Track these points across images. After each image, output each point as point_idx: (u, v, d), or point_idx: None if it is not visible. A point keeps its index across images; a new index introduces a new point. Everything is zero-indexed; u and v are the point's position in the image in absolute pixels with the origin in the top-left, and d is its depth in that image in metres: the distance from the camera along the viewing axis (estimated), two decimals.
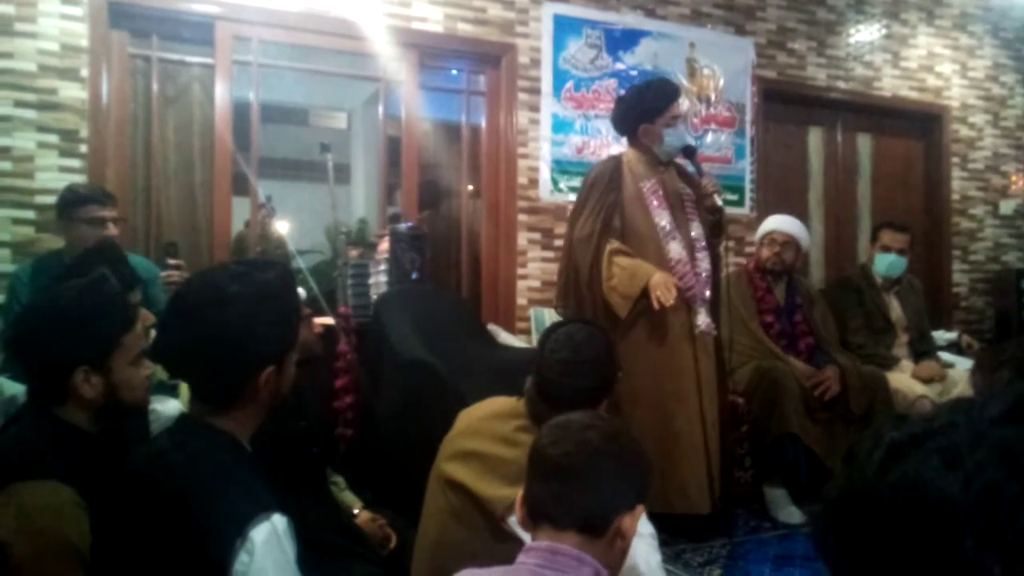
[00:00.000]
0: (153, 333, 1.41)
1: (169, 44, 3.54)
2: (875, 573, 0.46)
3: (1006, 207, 5.54)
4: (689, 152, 2.96)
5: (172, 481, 1.16)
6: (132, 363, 1.52)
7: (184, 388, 2.60)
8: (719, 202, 2.92)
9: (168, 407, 2.44)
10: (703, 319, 2.89)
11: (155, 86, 3.50)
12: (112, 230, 2.78)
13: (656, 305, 2.69)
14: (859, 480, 0.48)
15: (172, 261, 3.03)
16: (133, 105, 3.48)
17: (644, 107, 2.94)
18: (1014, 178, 5.56)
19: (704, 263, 2.93)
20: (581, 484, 1.16)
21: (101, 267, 1.61)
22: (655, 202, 2.92)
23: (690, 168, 3.05)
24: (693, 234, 2.94)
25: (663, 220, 2.91)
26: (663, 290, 2.69)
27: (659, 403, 2.82)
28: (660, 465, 2.68)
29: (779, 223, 3.74)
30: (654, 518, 1.66)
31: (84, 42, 3.26)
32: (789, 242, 3.69)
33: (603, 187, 2.92)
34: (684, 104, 2.97)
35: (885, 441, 0.48)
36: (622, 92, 4.13)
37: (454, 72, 4.23)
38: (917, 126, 5.35)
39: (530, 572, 1.11)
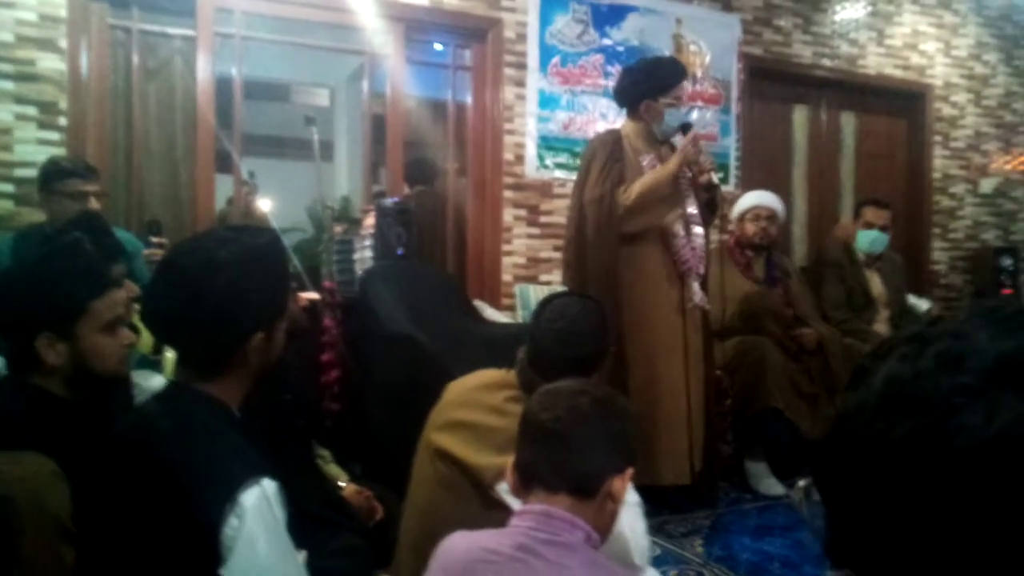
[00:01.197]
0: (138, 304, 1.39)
1: (150, 15, 3.48)
2: (876, 514, 0.46)
3: (986, 186, 5.60)
4: (687, 130, 2.98)
5: (161, 446, 1.16)
6: (103, 331, 1.48)
7: (168, 362, 2.59)
8: (715, 179, 2.95)
9: (152, 382, 2.42)
10: (697, 293, 2.93)
11: (135, 58, 3.44)
12: (94, 204, 2.75)
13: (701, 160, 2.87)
14: (860, 417, 0.47)
15: (155, 239, 3.00)
16: (113, 77, 3.42)
17: (651, 84, 2.97)
18: (998, 158, 5.61)
19: (699, 239, 2.97)
20: (572, 447, 1.18)
21: (76, 236, 1.58)
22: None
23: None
24: (689, 210, 2.97)
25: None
26: (685, 153, 2.84)
27: (648, 374, 2.86)
28: (646, 436, 2.73)
29: (762, 198, 3.78)
30: (638, 489, 1.68)
31: (63, 12, 3.20)
32: (772, 216, 3.74)
33: (607, 155, 2.93)
34: (687, 85, 2.98)
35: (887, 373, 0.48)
36: (613, 66, 4.17)
37: (439, 47, 4.20)
38: (900, 104, 5.37)
39: (523, 534, 1.12)
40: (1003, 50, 5.63)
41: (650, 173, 2.89)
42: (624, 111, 3.12)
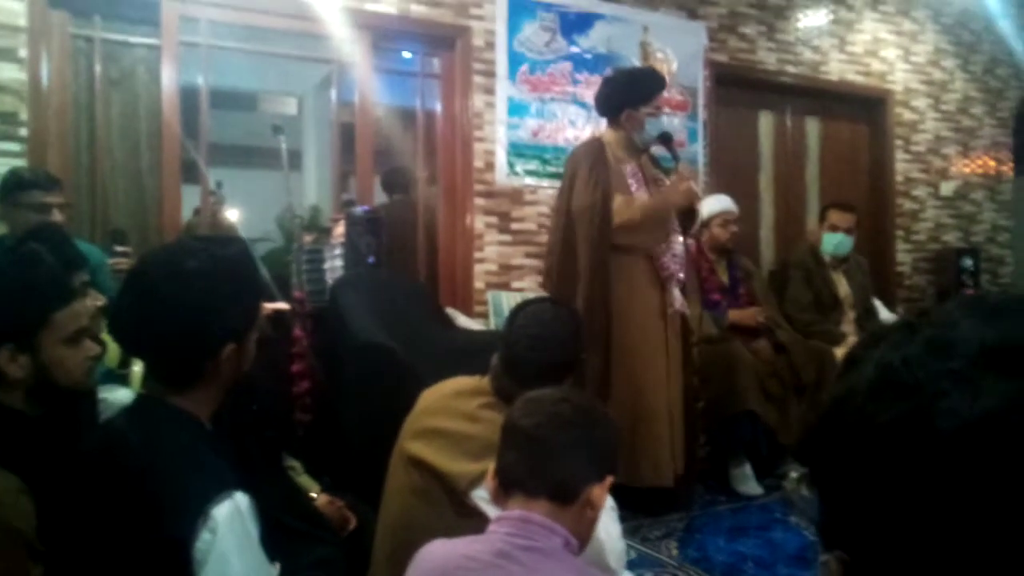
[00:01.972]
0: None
1: (112, 24, 3.43)
2: (866, 497, 0.47)
3: (946, 188, 5.72)
4: (666, 139, 3.01)
5: (131, 460, 1.14)
6: (66, 343, 1.45)
7: (136, 376, 2.54)
8: (695, 188, 3.00)
9: (118, 396, 2.38)
10: (678, 298, 2.97)
11: (98, 68, 3.39)
12: (58, 216, 2.70)
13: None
14: (850, 404, 0.49)
15: (120, 248, 2.96)
16: (75, 87, 3.36)
17: (632, 93, 3.01)
18: (958, 161, 5.74)
19: (678, 245, 3.02)
20: (553, 453, 1.18)
21: (36, 248, 1.55)
22: (635, 185, 2.99)
23: (665, 154, 3.12)
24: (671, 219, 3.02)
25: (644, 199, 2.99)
26: (692, 196, 2.93)
27: (631, 378, 2.89)
28: (630, 438, 2.76)
29: (725, 203, 3.85)
30: (618, 490, 1.69)
31: (22, 21, 3.14)
32: (737, 220, 3.82)
33: (592, 163, 2.97)
34: (664, 98, 3.04)
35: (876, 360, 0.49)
36: (581, 74, 4.20)
37: (408, 55, 4.19)
38: (862, 110, 5.48)
39: (501, 540, 1.12)
40: (960, 56, 5.77)
41: (653, 200, 2.93)
42: (603, 120, 3.16)
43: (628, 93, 3.00)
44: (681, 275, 3.02)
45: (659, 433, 2.88)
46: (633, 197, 2.94)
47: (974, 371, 0.43)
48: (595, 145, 3.07)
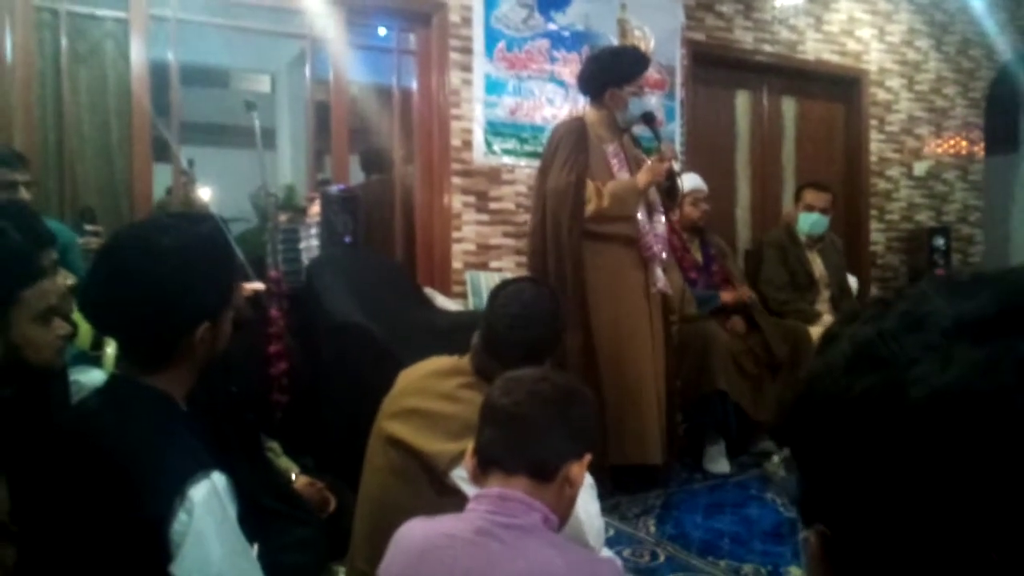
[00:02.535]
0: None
1: None
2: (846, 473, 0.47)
3: (919, 168, 5.78)
4: (648, 119, 3.01)
5: (105, 440, 1.11)
6: (36, 320, 1.42)
7: (108, 358, 2.50)
8: (676, 168, 3.01)
9: (91, 378, 2.35)
10: (660, 278, 2.98)
11: (64, 41, 3.30)
12: (24, 194, 2.63)
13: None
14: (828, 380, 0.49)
15: (90, 227, 2.90)
16: (40, 62, 3.27)
17: (616, 71, 3.01)
18: (931, 141, 5.80)
19: (660, 225, 3.03)
20: (532, 430, 1.19)
21: (2, 224, 1.51)
22: (617, 164, 2.98)
23: (648, 134, 3.11)
24: (650, 197, 3.02)
25: (625, 178, 2.98)
26: (655, 175, 2.89)
27: (617, 357, 2.91)
28: (617, 417, 2.78)
29: (698, 181, 3.87)
30: (607, 470, 1.70)
31: None
32: (707, 199, 3.84)
33: (572, 143, 2.97)
34: (647, 77, 3.04)
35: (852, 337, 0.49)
36: (559, 51, 4.18)
37: (383, 31, 4.13)
38: (838, 89, 5.50)
39: (481, 518, 1.12)
40: (933, 36, 5.81)
41: (619, 184, 2.91)
42: (582, 99, 3.16)
43: (612, 72, 3.00)
44: (664, 255, 3.03)
45: (646, 411, 2.90)
46: (603, 183, 2.94)
47: (946, 342, 0.44)
48: (576, 125, 3.06)
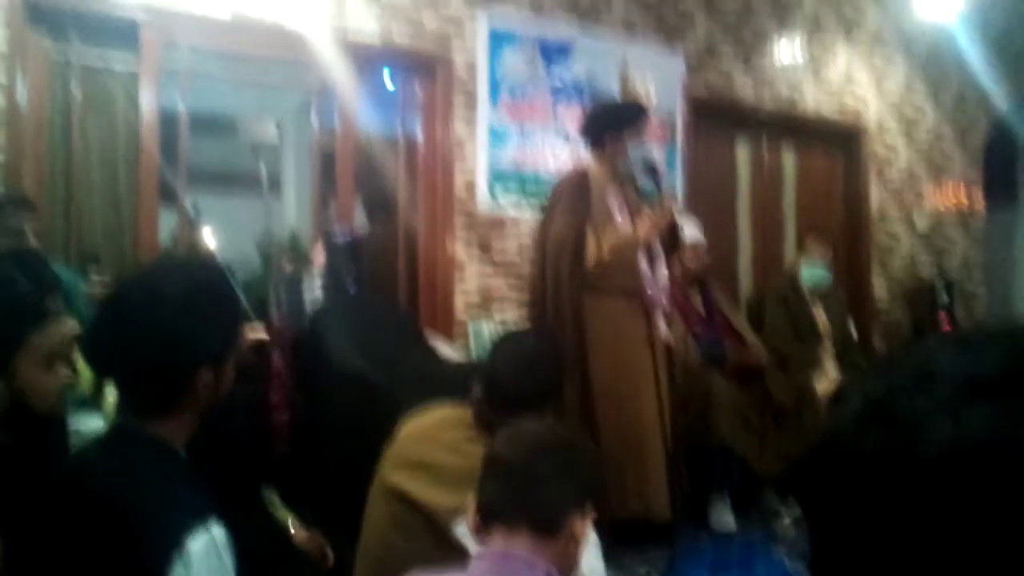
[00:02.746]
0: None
1: (92, 49, 3.40)
2: (858, 532, 0.46)
3: (920, 222, 5.81)
4: (650, 168, 3.03)
5: (104, 490, 1.10)
6: (40, 365, 1.42)
7: (108, 405, 2.49)
8: (678, 219, 3.02)
9: (90, 427, 2.33)
10: (663, 326, 2.96)
11: (77, 92, 3.35)
12: (32, 240, 2.66)
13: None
14: (840, 437, 0.49)
15: (96, 277, 2.92)
16: (52, 110, 3.33)
17: (616, 117, 3.06)
18: (931, 195, 5.84)
19: (662, 273, 3.01)
20: (534, 483, 1.17)
21: (11, 269, 1.52)
22: (618, 212, 3.00)
23: (650, 185, 3.14)
24: (653, 248, 3.02)
25: (627, 230, 2.99)
26: (654, 228, 2.90)
27: (617, 409, 2.87)
28: (617, 470, 2.73)
29: (697, 234, 3.86)
30: (610, 525, 1.67)
31: (1, 45, 3.11)
32: (708, 249, 3.83)
33: (572, 193, 3.01)
34: (646, 126, 3.07)
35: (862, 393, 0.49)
36: (561, 103, 4.24)
37: (389, 83, 4.20)
38: (837, 143, 5.56)
39: None
40: (930, 91, 5.89)
41: (619, 237, 2.93)
42: (585, 151, 3.19)
43: (611, 117, 3.06)
44: (665, 302, 3.02)
45: (650, 464, 2.84)
46: (604, 231, 2.95)
47: (957, 400, 0.44)
48: (576, 178, 3.10)
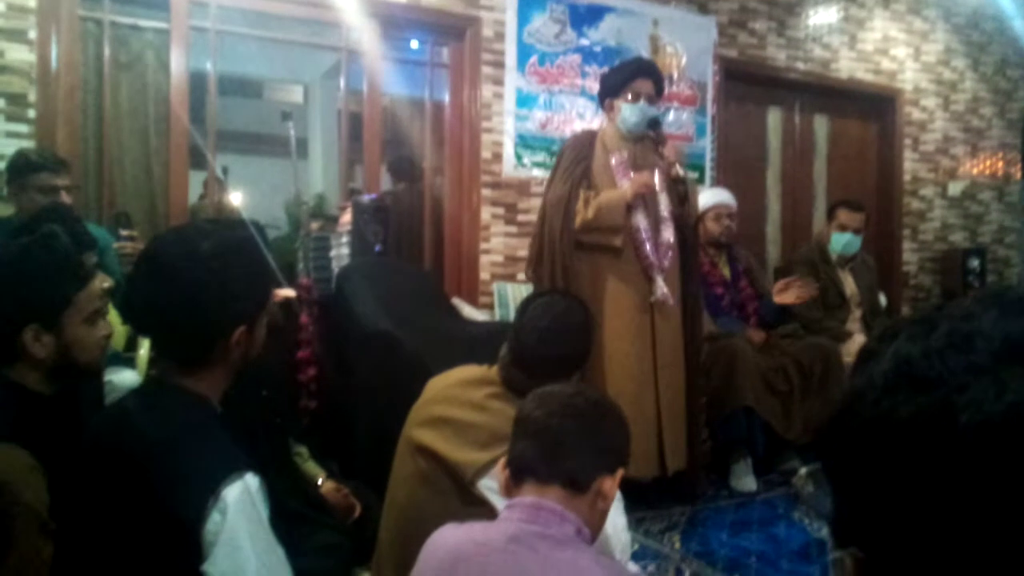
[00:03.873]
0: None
1: (122, 7, 3.42)
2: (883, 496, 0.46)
3: (954, 188, 5.71)
4: (653, 124, 3.01)
5: (141, 441, 1.13)
6: (85, 322, 1.48)
7: (141, 359, 2.54)
8: (680, 171, 2.96)
9: (124, 378, 2.39)
10: (660, 288, 2.93)
11: (107, 51, 3.38)
12: (65, 198, 2.70)
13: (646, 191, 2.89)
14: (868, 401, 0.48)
15: (125, 232, 2.95)
16: (84, 70, 3.35)
17: (610, 82, 3.08)
18: (966, 161, 5.72)
19: (667, 234, 2.98)
20: (565, 442, 1.19)
21: (53, 228, 1.56)
22: (620, 175, 2.98)
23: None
24: (660, 206, 2.99)
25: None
26: (641, 186, 2.86)
27: (607, 372, 2.87)
28: None
29: (722, 196, 3.83)
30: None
31: (32, 3, 3.13)
32: (733, 214, 3.79)
33: (573, 156, 3.01)
34: (647, 84, 3.01)
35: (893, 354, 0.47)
36: (590, 66, 4.25)
37: (416, 44, 4.18)
38: (871, 108, 5.45)
39: (514, 526, 1.12)
40: (970, 56, 5.74)
41: (605, 195, 2.90)
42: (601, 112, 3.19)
43: (607, 82, 3.08)
44: (665, 263, 2.98)
45: (643, 423, 2.83)
46: (593, 194, 2.93)
47: (997, 364, 0.42)
48: (584, 137, 3.12)
